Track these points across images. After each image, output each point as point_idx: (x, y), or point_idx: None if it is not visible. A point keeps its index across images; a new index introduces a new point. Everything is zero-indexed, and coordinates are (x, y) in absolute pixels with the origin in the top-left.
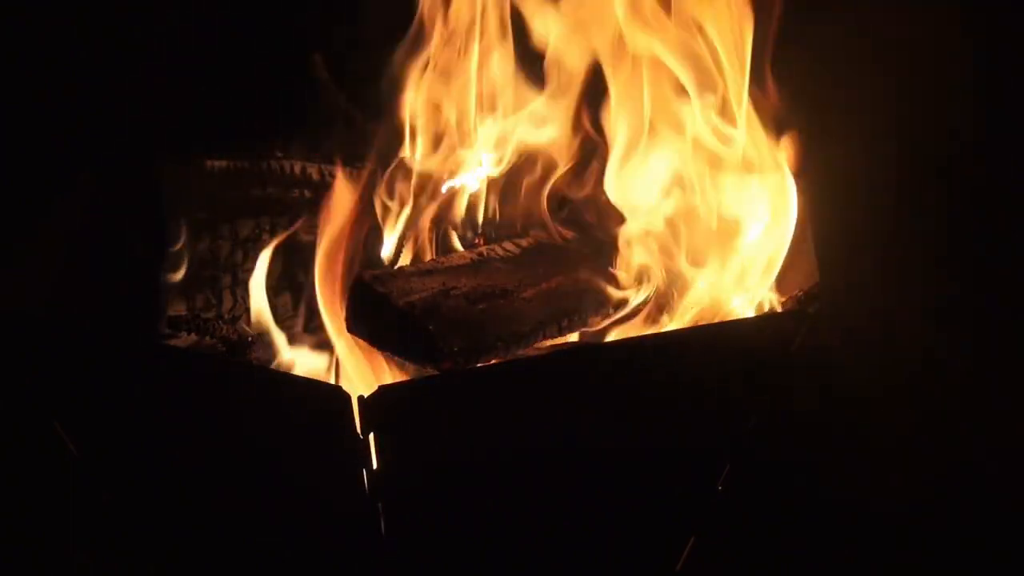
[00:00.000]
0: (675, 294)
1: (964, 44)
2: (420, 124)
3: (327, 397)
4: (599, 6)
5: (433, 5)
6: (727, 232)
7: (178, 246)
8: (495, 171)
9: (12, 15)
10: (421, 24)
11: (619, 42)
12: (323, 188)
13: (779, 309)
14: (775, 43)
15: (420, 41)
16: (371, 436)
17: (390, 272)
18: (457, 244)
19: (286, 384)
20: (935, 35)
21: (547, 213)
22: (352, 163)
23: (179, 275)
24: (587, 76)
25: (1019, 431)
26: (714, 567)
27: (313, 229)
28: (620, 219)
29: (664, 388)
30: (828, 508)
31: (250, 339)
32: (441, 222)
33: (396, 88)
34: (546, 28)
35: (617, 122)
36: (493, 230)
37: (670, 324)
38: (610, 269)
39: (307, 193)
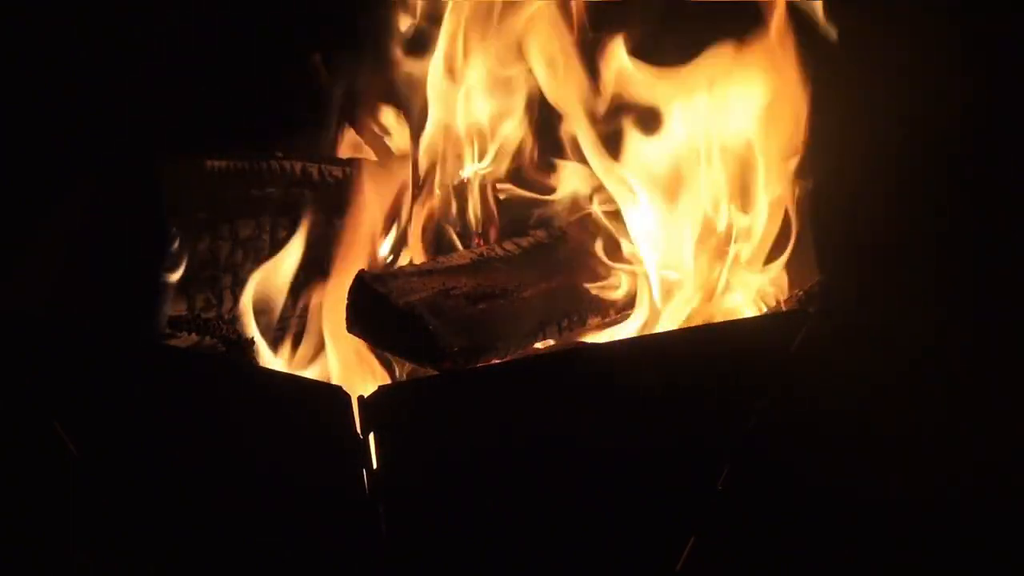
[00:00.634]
0: (675, 294)
1: (965, 45)
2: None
3: (327, 397)
4: None
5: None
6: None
7: (178, 246)
8: (487, 168)
9: (12, 15)
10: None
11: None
12: (323, 188)
13: (779, 309)
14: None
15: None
16: (371, 436)
17: (390, 272)
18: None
19: (286, 384)
20: (936, 35)
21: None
22: (352, 163)
23: (179, 275)
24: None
25: (1019, 431)
26: (714, 567)
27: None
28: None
29: (664, 388)
30: (828, 508)
31: (250, 339)
32: (443, 221)
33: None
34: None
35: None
36: (493, 230)
37: (670, 324)
38: (610, 269)
39: (307, 193)
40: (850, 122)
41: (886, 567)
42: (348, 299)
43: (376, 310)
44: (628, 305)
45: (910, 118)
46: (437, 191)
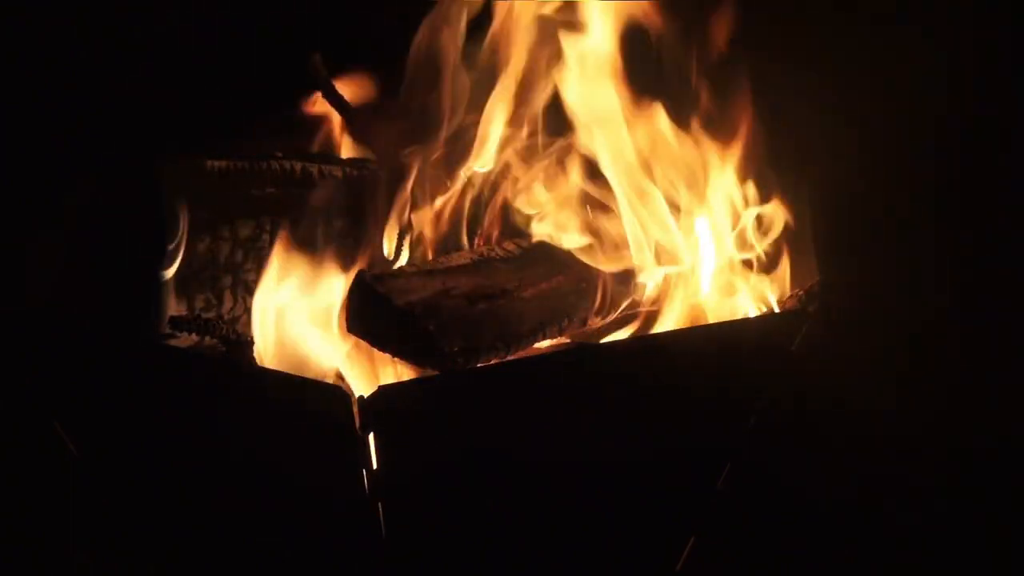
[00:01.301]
0: (674, 294)
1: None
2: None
3: (327, 397)
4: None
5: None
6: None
7: (178, 246)
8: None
9: (12, 15)
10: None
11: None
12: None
13: (779, 309)
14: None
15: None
16: (371, 436)
17: (390, 272)
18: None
19: (286, 384)
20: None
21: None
22: (352, 163)
23: (179, 275)
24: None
25: (1020, 431)
26: (714, 567)
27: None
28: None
29: (664, 388)
30: (828, 508)
31: (250, 339)
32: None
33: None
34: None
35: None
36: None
37: (670, 324)
38: (610, 270)
39: (307, 193)
40: (850, 122)
41: (886, 567)
42: (348, 299)
43: (376, 310)
44: (628, 305)
45: (910, 117)
46: (439, 191)
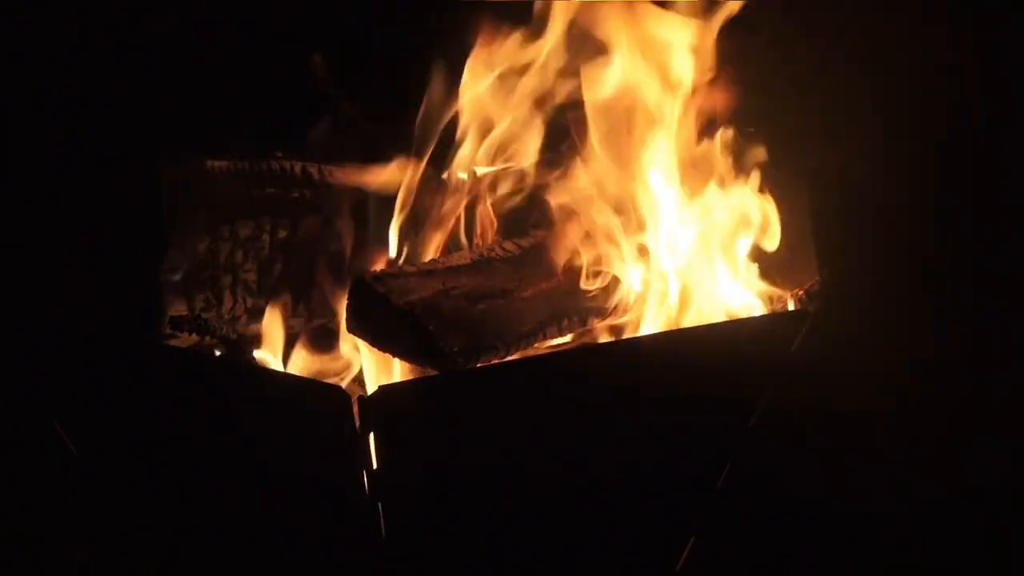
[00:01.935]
0: (674, 294)
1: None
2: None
3: (327, 397)
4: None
5: None
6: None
7: (177, 246)
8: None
9: (12, 15)
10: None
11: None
12: (323, 188)
13: (779, 309)
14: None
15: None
16: (371, 436)
17: (390, 272)
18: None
19: (286, 384)
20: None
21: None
22: (351, 163)
23: (179, 275)
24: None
25: (1021, 431)
26: (714, 567)
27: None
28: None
29: (664, 388)
30: (828, 508)
31: (250, 339)
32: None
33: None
34: None
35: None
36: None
37: (670, 324)
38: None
39: (307, 193)
40: (850, 122)
41: (886, 567)
42: (348, 299)
43: (376, 310)
44: (628, 306)
45: (911, 116)
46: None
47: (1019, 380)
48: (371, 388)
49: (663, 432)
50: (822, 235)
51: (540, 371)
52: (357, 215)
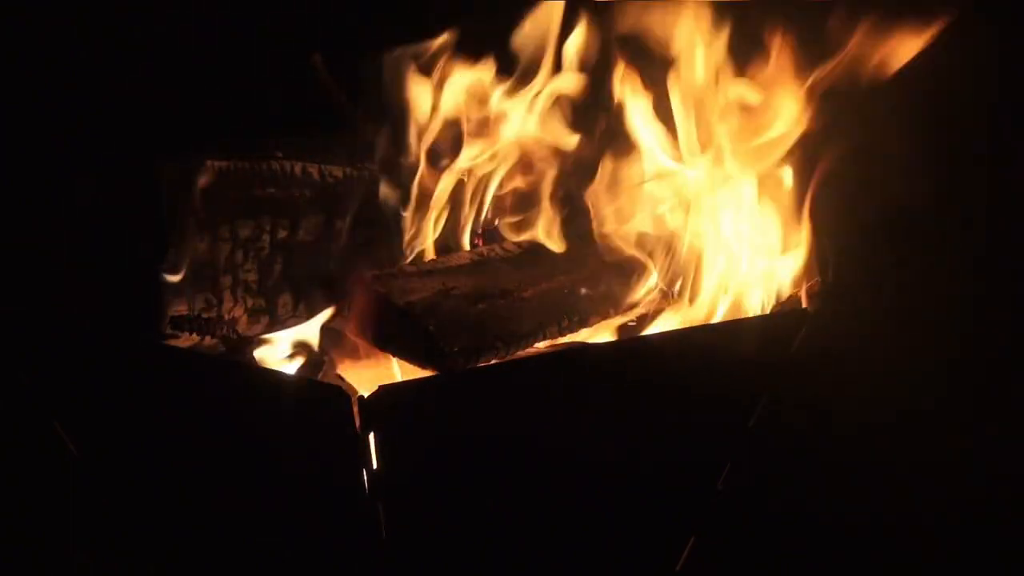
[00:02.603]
0: (674, 294)
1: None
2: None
3: (327, 397)
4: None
5: None
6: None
7: (178, 246)
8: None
9: (12, 15)
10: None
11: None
12: (323, 188)
13: (779, 309)
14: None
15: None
16: (371, 436)
17: (390, 272)
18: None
19: (286, 384)
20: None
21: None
22: (352, 163)
23: (179, 275)
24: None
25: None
26: (714, 567)
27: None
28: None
29: (664, 388)
30: (828, 508)
31: (250, 339)
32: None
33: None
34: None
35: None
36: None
37: (670, 324)
38: (610, 269)
39: (307, 193)
40: (850, 120)
41: (886, 567)
42: (348, 299)
43: (376, 310)
44: (628, 306)
45: (912, 115)
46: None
47: (1020, 380)
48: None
49: (663, 432)
50: (822, 234)
51: (540, 371)
52: (357, 215)
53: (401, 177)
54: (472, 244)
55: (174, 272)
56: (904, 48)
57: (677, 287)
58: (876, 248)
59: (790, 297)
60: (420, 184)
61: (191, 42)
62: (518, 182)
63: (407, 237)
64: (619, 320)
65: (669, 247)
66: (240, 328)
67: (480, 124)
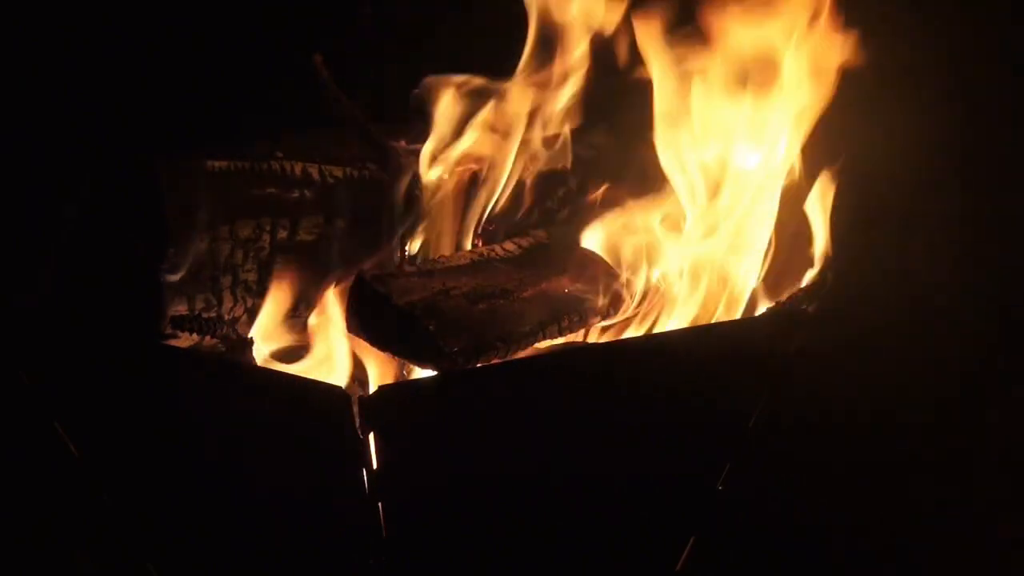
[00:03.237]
0: (674, 294)
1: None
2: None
3: (327, 397)
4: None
5: None
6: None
7: (178, 246)
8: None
9: (12, 15)
10: None
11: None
12: (323, 188)
13: (779, 309)
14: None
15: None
16: (371, 436)
17: (390, 272)
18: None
19: (286, 384)
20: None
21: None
22: (352, 163)
23: (179, 275)
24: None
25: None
26: (714, 567)
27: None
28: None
29: (664, 388)
30: (828, 508)
31: (250, 339)
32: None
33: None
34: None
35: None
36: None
37: (670, 324)
38: (610, 269)
39: (307, 193)
40: (855, 121)
41: (885, 567)
42: (348, 299)
43: (376, 310)
44: (629, 305)
45: (915, 115)
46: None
47: (1021, 380)
48: (371, 388)
49: (663, 432)
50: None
51: (540, 371)
52: (357, 215)
53: (402, 177)
54: (472, 244)
55: (174, 272)
56: None
57: (677, 287)
58: (876, 248)
59: (790, 297)
60: (421, 184)
61: (191, 42)
62: (522, 182)
63: (407, 237)
64: (619, 320)
65: (668, 247)
66: (240, 328)
67: (485, 123)
